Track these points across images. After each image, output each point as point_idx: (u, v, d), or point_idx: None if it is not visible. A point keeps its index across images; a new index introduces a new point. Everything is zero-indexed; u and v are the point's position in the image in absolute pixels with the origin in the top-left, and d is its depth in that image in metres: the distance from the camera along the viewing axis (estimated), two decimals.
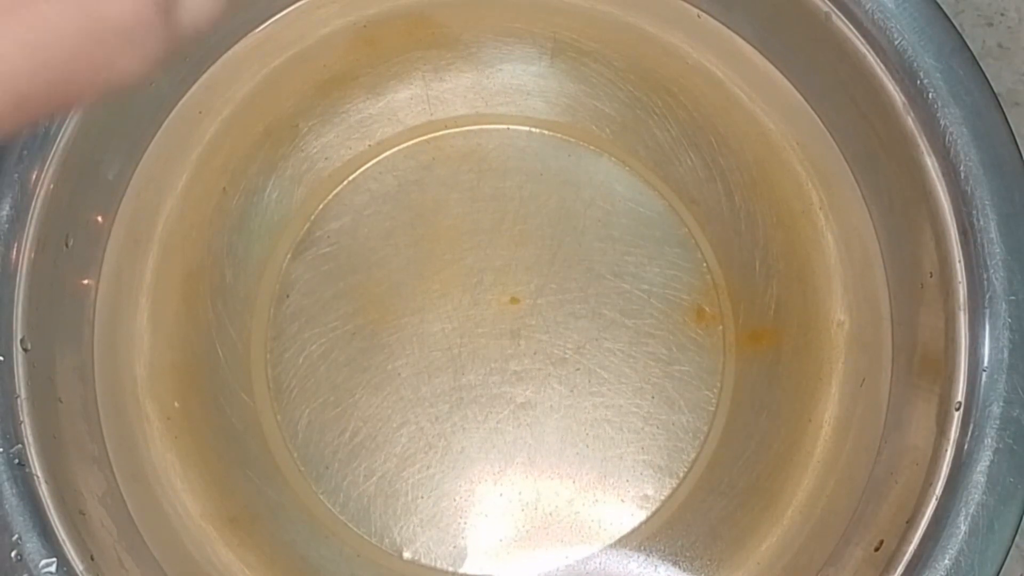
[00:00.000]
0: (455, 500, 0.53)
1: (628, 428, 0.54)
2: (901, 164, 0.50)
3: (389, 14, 0.56)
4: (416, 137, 0.56)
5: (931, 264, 0.48)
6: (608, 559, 0.52)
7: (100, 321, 0.52)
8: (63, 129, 0.48)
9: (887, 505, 0.49)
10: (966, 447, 0.45)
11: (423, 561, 0.53)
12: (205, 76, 0.55)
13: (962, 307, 0.47)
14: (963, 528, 0.44)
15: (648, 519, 0.53)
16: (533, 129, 0.57)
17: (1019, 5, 0.60)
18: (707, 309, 0.55)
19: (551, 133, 0.57)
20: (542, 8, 0.57)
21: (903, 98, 0.49)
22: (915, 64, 0.48)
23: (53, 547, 0.44)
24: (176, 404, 0.53)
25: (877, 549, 0.47)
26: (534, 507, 0.53)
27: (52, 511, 0.44)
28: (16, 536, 0.44)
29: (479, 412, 0.54)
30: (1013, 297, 0.46)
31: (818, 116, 0.54)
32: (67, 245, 0.50)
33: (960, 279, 0.47)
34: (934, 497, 0.45)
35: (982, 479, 0.45)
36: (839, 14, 0.50)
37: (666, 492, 0.53)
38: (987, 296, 0.46)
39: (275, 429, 0.54)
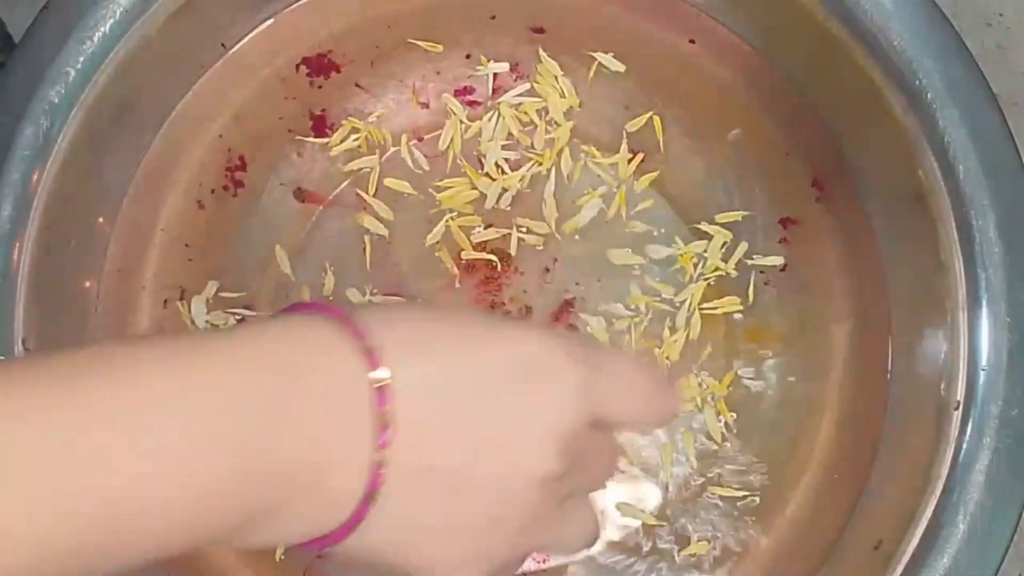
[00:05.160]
0: None
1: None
2: (901, 164, 0.50)
3: (389, 14, 0.57)
4: (416, 137, 0.56)
5: (931, 264, 0.49)
6: (608, 559, 0.52)
7: (101, 322, 0.52)
8: (64, 131, 0.48)
9: (887, 505, 0.49)
10: (965, 447, 0.45)
11: None
12: (205, 77, 0.55)
13: (962, 307, 0.47)
14: (962, 528, 0.45)
15: (648, 520, 0.53)
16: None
17: (1017, 6, 0.60)
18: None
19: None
20: (542, 7, 0.57)
21: (903, 98, 0.49)
22: (914, 64, 0.48)
23: None
24: None
25: (877, 549, 0.47)
26: None
27: None
28: None
29: None
30: (1013, 297, 0.46)
31: (818, 116, 0.54)
32: (68, 246, 0.50)
33: (960, 279, 0.47)
34: (933, 497, 0.45)
35: (981, 479, 0.45)
36: (839, 15, 0.50)
37: (665, 493, 0.53)
38: (987, 296, 0.46)
39: None
